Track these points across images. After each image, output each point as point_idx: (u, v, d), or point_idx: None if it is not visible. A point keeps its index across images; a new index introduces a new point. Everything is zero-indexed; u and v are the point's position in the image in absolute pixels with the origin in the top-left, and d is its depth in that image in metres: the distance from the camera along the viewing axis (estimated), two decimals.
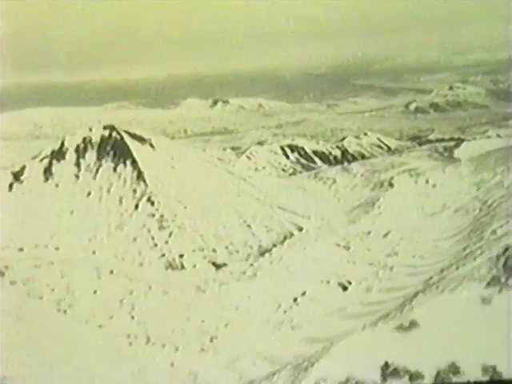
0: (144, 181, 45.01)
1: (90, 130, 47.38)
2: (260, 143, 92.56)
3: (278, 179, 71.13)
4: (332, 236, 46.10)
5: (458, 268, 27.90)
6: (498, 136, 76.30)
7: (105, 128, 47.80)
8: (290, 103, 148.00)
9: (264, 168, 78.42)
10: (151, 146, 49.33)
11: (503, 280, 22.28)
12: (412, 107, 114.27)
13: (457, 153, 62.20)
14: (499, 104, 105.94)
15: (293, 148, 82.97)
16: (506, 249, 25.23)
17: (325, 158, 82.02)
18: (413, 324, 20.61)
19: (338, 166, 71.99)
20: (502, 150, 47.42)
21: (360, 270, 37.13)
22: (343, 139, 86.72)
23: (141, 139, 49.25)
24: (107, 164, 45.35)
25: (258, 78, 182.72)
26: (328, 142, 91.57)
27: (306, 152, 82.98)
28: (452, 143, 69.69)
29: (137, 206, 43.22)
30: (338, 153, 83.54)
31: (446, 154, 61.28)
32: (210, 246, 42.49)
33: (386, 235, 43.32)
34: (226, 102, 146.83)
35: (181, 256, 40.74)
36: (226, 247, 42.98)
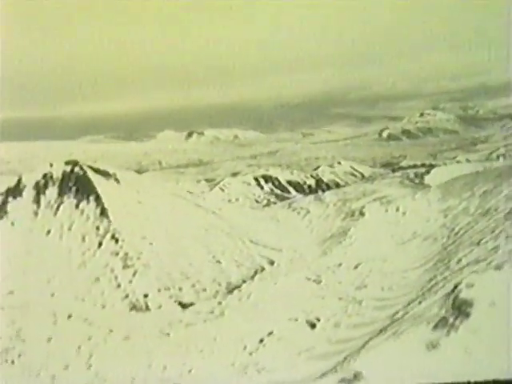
0: (108, 217, 43.37)
1: (51, 165, 45.84)
2: (234, 174, 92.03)
3: (252, 211, 70.04)
4: (303, 269, 44.86)
5: (420, 302, 26.88)
6: (468, 161, 77.27)
7: (67, 163, 46.33)
8: (266, 133, 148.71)
9: (237, 200, 77.41)
10: (116, 180, 47.91)
11: (451, 321, 21.09)
12: (385, 134, 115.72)
13: (427, 179, 62.24)
14: (468, 129, 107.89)
15: (267, 178, 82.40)
16: (456, 286, 24.28)
17: (299, 187, 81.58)
18: (357, 376, 19.25)
19: (312, 196, 71.40)
20: (469, 176, 47.32)
21: (329, 305, 35.83)
22: (317, 168, 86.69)
23: (105, 174, 47.82)
24: (69, 200, 43.68)
25: (236, 110, 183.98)
26: (302, 171, 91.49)
27: (280, 182, 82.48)
28: (423, 169, 69.98)
29: (100, 244, 41.44)
30: (312, 182, 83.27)
31: (416, 181, 61.19)
32: (176, 284, 40.75)
33: (356, 267, 42.30)
34: (201, 133, 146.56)
35: (145, 296, 38.86)
36: (193, 285, 41.28)
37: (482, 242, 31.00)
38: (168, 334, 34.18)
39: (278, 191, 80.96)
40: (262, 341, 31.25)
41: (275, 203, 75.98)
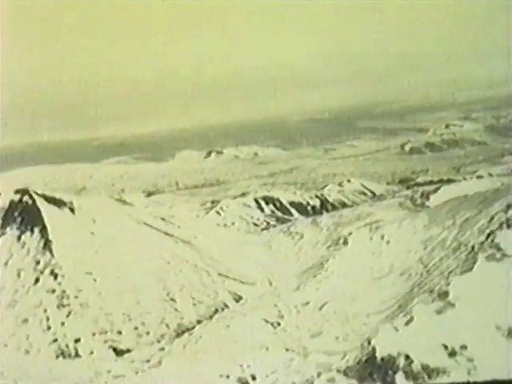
0: (50, 250, 40.08)
1: None
2: (244, 194, 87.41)
3: (244, 237, 65.32)
4: (269, 308, 39.67)
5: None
6: (490, 175, 69.15)
7: (17, 192, 43.71)
8: (288, 150, 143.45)
9: (233, 223, 72.73)
10: (71, 209, 44.75)
11: None
12: (407, 148, 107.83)
13: (432, 199, 55.19)
14: (498, 140, 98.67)
15: (268, 200, 77.26)
16: None
17: (302, 209, 75.93)
18: None
19: (310, 219, 66.08)
20: (455, 200, 40.54)
21: (272, 358, 30.51)
22: (324, 187, 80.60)
23: (60, 202, 44.82)
24: (11, 232, 40.84)
25: (259, 126, 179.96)
26: (317, 189, 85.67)
27: (282, 204, 77.16)
28: (433, 187, 62.74)
29: (37, 280, 38.10)
30: (316, 202, 77.36)
31: (418, 202, 54.37)
32: (115, 327, 36.61)
33: (322, 307, 36.74)
34: (220, 152, 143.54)
35: (77, 341, 34.96)
36: (136, 328, 36.99)
37: (435, 288, 24.89)
38: None
39: (280, 214, 75.58)
40: None
41: (275, 226, 70.81)
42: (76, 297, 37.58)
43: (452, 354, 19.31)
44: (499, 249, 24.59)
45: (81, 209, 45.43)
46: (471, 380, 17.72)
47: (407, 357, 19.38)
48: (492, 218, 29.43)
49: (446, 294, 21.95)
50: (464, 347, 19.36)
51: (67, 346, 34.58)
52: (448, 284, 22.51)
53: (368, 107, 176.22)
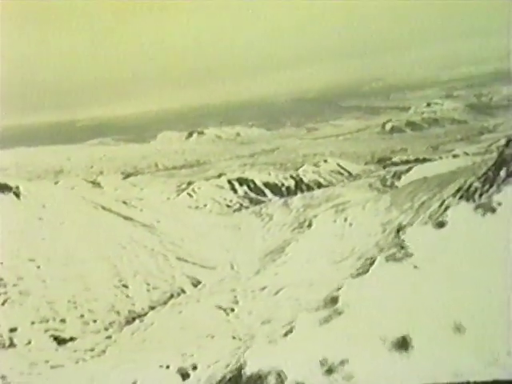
0: None
1: None
2: (220, 175, 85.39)
3: (213, 219, 63.33)
4: (225, 293, 37.94)
5: None
6: (466, 154, 67.66)
7: None
8: (271, 130, 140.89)
9: (205, 206, 70.75)
10: (16, 194, 42.39)
11: None
12: (388, 127, 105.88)
13: (404, 179, 53.44)
14: (478, 118, 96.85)
15: (241, 181, 75.25)
16: None
17: (277, 190, 74.01)
18: None
19: (281, 200, 64.32)
20: (417, 182, 38.66)
21: (217, 347, 28.79)
22: (299, 168, 78.59)
23: (4, 187, 42.42)
24: None
25: (243, 107, 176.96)
26: (296, 169, 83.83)
27: (256, 185, 75.18)
28: (406, 167, 61.04)
29: None
30: (291, 183, 75.45)
31: (388, 183, 52.57)
32: (59, 315, 34.73)
33: (277, 292, 35.01)
34: (201, 133, 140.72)
35: (12, 330, 33.03)
36: (82, 315, 35.14)
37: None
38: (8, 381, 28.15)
39: (253, 195, 73.67)
40: None
41: (247, 208, 69.14)
42: (15, 285, 35.58)
43: (329, 370, 16.98)
44: (402, 247, 22.16)
45: (29, 193, 43.10)
46: None
47: (279, 374, 17.04)
48: (443, 203, 27.58)
49: (335, 300, 19.35)
50: (344, 362, 17.03)
51: (1, 335, 32.66)
52: (339, 289, 19.80)
53: (353, 86, 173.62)
